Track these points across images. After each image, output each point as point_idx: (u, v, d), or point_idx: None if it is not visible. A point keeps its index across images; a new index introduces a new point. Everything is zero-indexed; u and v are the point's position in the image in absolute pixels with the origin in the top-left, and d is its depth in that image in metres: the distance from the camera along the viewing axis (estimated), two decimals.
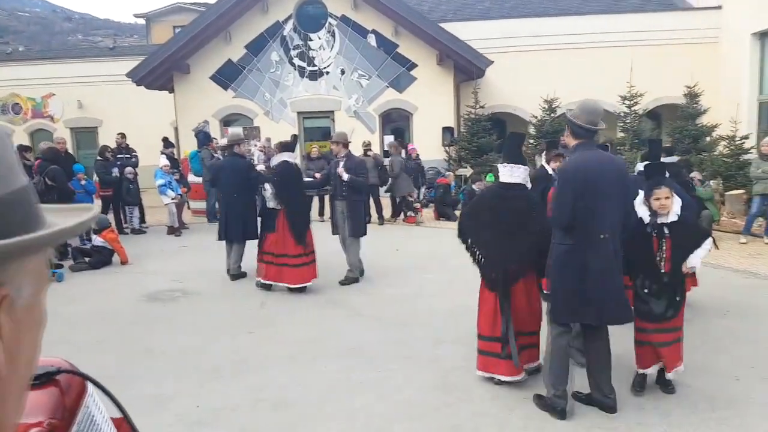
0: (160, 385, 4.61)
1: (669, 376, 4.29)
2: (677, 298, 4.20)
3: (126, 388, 4.56)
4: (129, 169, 11.26)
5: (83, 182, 9.84)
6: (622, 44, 15.26)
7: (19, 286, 0.55)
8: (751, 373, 4.58)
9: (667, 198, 4.13)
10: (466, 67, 15.27)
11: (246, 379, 4.70)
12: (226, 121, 16.81)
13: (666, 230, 4.18)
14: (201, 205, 12.76)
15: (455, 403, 4.25)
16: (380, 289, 7.21)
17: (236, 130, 7.95)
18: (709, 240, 4.26)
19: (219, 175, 8.10)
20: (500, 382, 4.42)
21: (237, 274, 7.75)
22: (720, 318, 5.87)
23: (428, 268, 8.16)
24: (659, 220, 4.20)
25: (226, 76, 16.52)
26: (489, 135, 15.21)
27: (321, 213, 12.04)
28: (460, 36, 15.03)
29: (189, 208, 12.81)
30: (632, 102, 13.98)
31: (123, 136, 12.46)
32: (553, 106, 14.62)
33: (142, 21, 36.93)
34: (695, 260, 4.18)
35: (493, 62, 14.81)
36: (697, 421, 3.90)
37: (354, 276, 7.46)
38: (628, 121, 14.20)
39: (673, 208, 4.17)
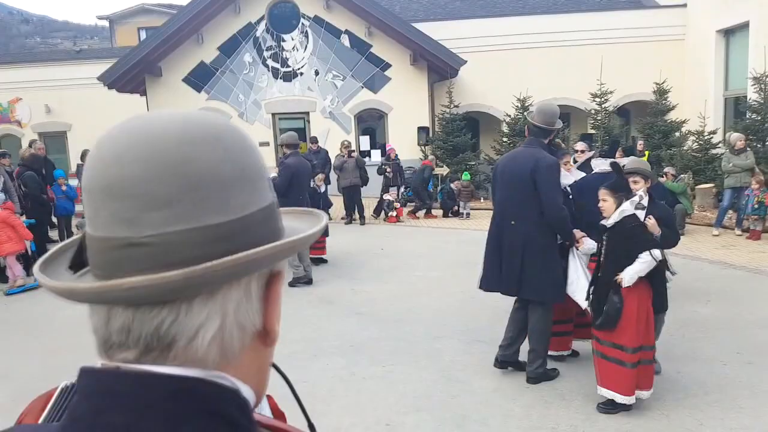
0: None
1: (603, 393, 3.98)
2: (605, 307, 3.93)
3: None
4: None
5: (64, 187, 9.69)
6: (592, 42, 15.61)
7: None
8: (737, 358, 4.82)
9: (604, 200, 4.05)
10: (439, 67, 15.44)
11: None
12: None
13: (605, 234, 4.10)
14: None
15: (459, 394, 4.38)
16: (372, 287, 7.31)
17: (293, 133, 8.02)
18: (646, 254, 3.85)
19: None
20: None
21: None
22: (702, 306, 6.13)
23: (416, 266, 8.29)
24: (603, 222, 4.09)
25: (199, 78, 16.37)
26: (464, 134, 15.41)
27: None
28: (433, 36, 15.18)
29: None
30: (602, 99, 14.33)
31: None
32: (526, 104, 14.90)
33: (102, 23, 36.25)
34: (626, 274, 3.88)
35: (466, 62, 15.01)
36: (690, 404, 4.10)
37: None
38: (598, 118, 14.55)
39: (614, 213, 3.98)
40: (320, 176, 10.67)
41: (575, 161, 7.16)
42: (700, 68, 14.71)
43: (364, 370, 4.84)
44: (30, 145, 10.02)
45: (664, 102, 14.07)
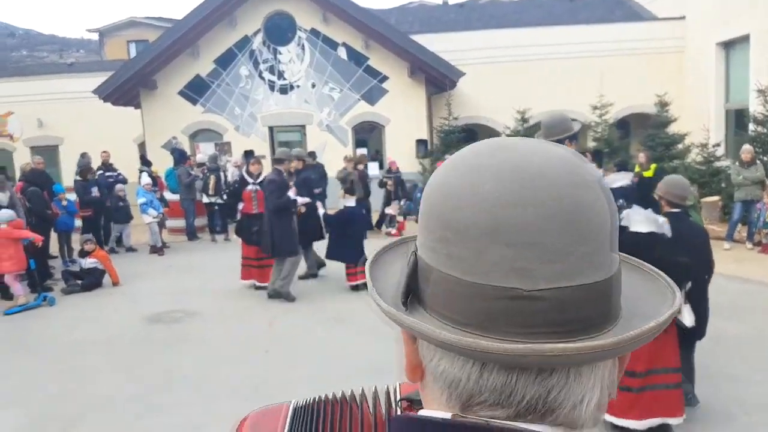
0: (191, 411, 4.45)
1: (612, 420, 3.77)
2: None
3: (157, 415, 4.38)
4: (120, 186, 10.94)
5: (64, 203, 9.47)
6: (591, 55, 15.62)
7: None
8: None
9: None
10: (437, 79, 15.38)
11: (276, 401, 4.55)
12: (196, 137, 16.48)
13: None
14: (178, 223, 12.42)
15: None
16: None
17: (284, 149, 8.06)
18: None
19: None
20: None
21: (274, 293, 7.40)
22: (729, 322, 6.02)
23: None
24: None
25: (195, 91, 16.20)
26: (463, 146, 15.31)
27: None
28: (431, 48, 15.14)
29: (164, 227, 12.46)
30: (603, 111, 14.34)
31: (108, 154, 12.07)
32: (526, 116, 14.87)
33: (89, 36, 36.04)
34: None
35: (465, 74, 14.96)
36: (737, 427, 3.97)
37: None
38: (599, 130, 14.54)
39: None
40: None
41: None
42: (700, 80, 14.74)
43: None
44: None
45: (665, 114, 14.07)
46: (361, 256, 7.72)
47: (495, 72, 16.03)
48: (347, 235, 7.45)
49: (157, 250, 10.76)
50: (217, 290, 7.94)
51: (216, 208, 12.08)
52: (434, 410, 0.54)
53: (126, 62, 16.55)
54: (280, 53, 16.24)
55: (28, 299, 7.61)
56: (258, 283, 7.87)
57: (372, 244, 11.12)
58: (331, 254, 7.91)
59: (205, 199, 12.03)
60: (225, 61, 16.15)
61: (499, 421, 0.50)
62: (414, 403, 1.54)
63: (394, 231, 12.34)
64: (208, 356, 5.62)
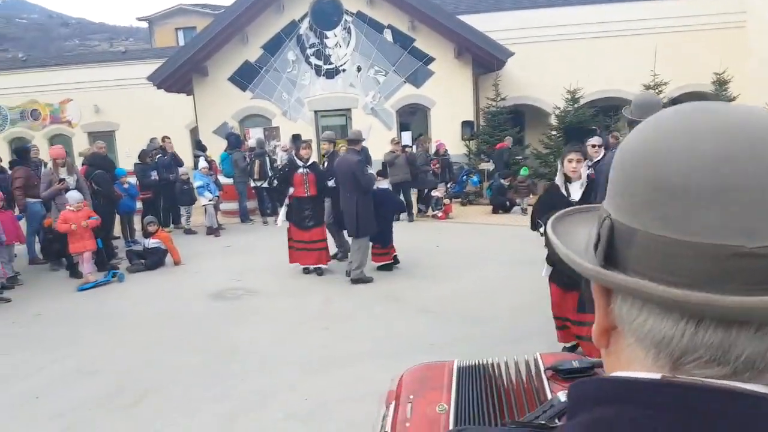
0: (261, 381, 4.66)
1: None
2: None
3: (228, 385, 4.62)
4: (182, 169, 11.35)
5: (126, 185, 9.89)
6: (645, 32, 15.17)
7: None
8: None
9: (578, 161, 4.34)
10: (485, 60, 15.22)
11: (339, 373, 4.74)
12: (245, 123, 16.81)
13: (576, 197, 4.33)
14: (231, 206, 12.78)
15: None
16: (436, 285, 7.22)
17: (357, 129, 8.23)
18: None
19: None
20: None
21: (357, 279, 7.45)
22: None
23: (478, 264, 8.15)
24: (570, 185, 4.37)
25: (244, 77, 16.48)
26: (512, 128, 15.19)
27: None
28: (478, 28, 14.99)
29: (219, 209, 12.84)
30: (656, 91, 13.95)
31: (169, 142, 12.46)
32: (576, 96, 14.60)
33: (137, 24, 36.84)
34: None
35: (514, 53, 14.77)
36: None
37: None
38: None
39: (583, 175, 4.37)
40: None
41: (589, 158, 6.95)
42: (764, 56, 14.12)
43: None
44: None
45: (724, 93, 13.59)
46: (389, 237, 7.91)
47: (544, 51, 15.77)
48: (377, 216, 7.57)
49: (214, 231, 11.12)
50: (272, 269, 8.19)
51: (264, 192, 12.41)
52: (636, 371, 0.54)
53: (179, 49, 16.93)
54: (327, 37, 16.35)
55: (97, 277, 8.02)
56: (310, 266, 7.92)
57: (416, 227, 11.27)
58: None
59: (252, 183, 12.33)
60: (273, 46, 16.35)
61: (714, 380, 0.50)
62: (558, 372, 1.67)
63: (440, 213, 12.39)
64: (271, 331, 5.85)
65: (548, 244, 3.86)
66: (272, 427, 3.96)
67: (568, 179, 4.42)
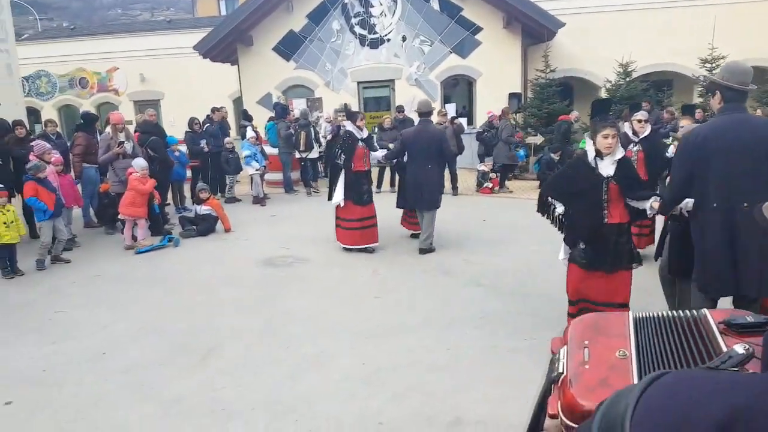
0: (317, 345, 4.74)
1: None
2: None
3: (287, 347, 4.70)
4: (228, 139, 11.51)
5: (177, 153, 10.05)
6: (703, 3, 14.59)
7: None
8: None
9: (614, 137, 4.20)
10: (534, 30, 14.85)
11: (391, 341, 4.78)
12: (288, 93, 16.81)
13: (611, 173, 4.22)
14: (275, 176, 12.86)
15: None
16: (485, 259, 7.16)
17: (426, 100, 8.09)
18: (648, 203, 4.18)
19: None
20: None
21: (426, 249, 7.42)
22: None
23: (525, 239, 8.04)
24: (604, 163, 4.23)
25: (288, 47, 16.43)
26: (560, 101, 14.83)
27: (392, 183, 11.99)
28: None
29: (264, 179, 12.95)
30: (714, 65, 13.42)
31: (219, 109, 12.57)
32: (629, 69, 14.15)
33: None
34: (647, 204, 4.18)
35: (565, 24, 14.37)
36: None
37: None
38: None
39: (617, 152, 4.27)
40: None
41: (635, 133, 6.69)
42: None
43: (505, 342, 4.74)
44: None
45: None
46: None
47: (596, 22, 15.31)
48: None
49: (260, 200, 11.24)
50: (319, 239, 8.25)
51: (308, 163, 12.46)
52: None
53: (224, 18, 16.96)
54: (372, 6, 16.13)
55: (153, 241, 8.22)
56: (361, 246, 7.49)
57: (461, 201, 11.17)
58: (401, 203, 8.23)
59: (297, 155, 12.37)
60: (317, 15, 16.23)
61: None
62: (731, 326, 1.74)
63: (490, 186, 12.24)
64: (323, 298, 5.92)
65: (600, 224, 3.64)
66: (334, 387, 4.03)
67: (598, 154, 4.28)
